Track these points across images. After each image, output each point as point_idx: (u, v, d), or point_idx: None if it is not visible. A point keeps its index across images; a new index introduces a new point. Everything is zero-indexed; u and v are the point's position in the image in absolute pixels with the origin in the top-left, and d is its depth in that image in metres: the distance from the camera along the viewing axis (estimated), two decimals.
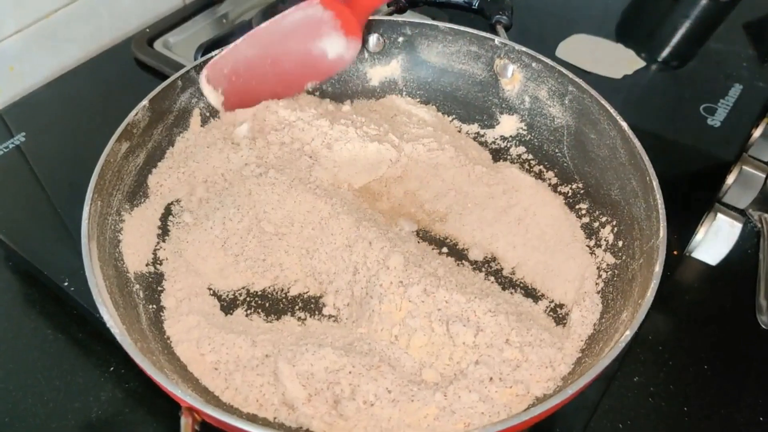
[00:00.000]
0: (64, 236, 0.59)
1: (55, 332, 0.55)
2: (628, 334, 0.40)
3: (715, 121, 0.72)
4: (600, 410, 0.51)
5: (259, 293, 0.52)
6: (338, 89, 0.67)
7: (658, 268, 0.43)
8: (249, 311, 0.51)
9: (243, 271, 0.52)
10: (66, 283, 0.55)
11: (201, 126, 0.61)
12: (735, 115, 0.73)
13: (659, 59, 0.81)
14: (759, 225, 0.66)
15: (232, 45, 0.56)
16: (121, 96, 0.70)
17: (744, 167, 0.67)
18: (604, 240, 0.54)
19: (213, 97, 0.57)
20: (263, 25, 0.56)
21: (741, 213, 0.64)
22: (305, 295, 0.52)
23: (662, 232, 0.45)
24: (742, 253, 0.63)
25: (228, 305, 0.51)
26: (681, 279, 0.62)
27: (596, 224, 0.55)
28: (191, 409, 0.37)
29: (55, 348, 0.54)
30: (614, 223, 0.53)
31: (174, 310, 0.49)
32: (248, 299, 0.52)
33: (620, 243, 0.52)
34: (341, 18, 0.56)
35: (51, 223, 0.61)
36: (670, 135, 0.71)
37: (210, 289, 0.52)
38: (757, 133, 0.73)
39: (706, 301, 0.60)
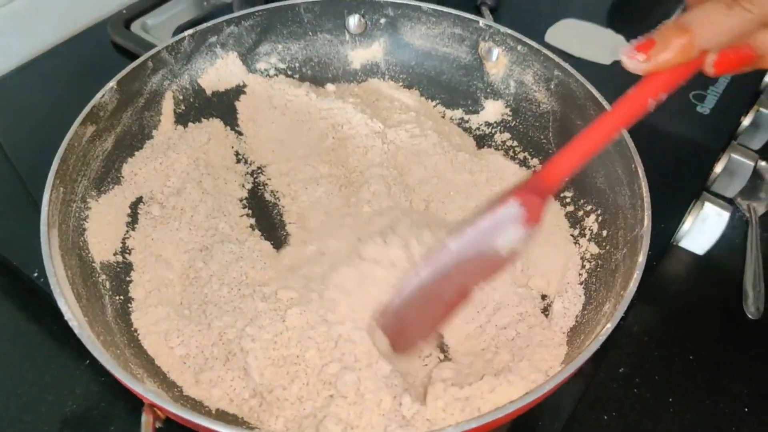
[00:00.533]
0: (35, 227, 0.58)
1: (28, 324, 0.54)
2: (609, 327, 0.39)
3: (705, 108, 0.71)
4: (585, 401, 0.50)
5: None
6: (318, 72, 0.65)
7: (642, 258, 0.42)
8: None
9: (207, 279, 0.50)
10: (36, 274, 0.53)
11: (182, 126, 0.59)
12: (724, 102, 0.71)
13: None
14: (747, 214, 0.66)
15: (410, 283, 0.44)
16: (97, 79, 0.67)
17: (733, 155, 0.67)
18: (588, 229, 0.52)
19: (383, 345, 0.45)
20: (450, 247, 0.43)
21: (729, 202, 0.63)
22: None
23: (646, 221, 0.44)
24: (730, 243, 0.63)
25: None
26: (667, 269, 0.62)
27: (580, 213, 0.54)
28: (153, 406, 0.36)
29: (29, 340, 0.52)
30: (599, 212, 0.52)
31: (142, 302, 0.48)
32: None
33: (604, 232, 0.51)
34: (527, 206, 0.43)
35: (24, 211, 0.59)
36: (658, 122, 0.69)
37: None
38: (746, 121, 0.72)
39: (693, 291, 0.60)
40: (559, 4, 0.85)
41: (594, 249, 0.51)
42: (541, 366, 0.43)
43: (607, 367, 0.53)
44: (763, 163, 0.68)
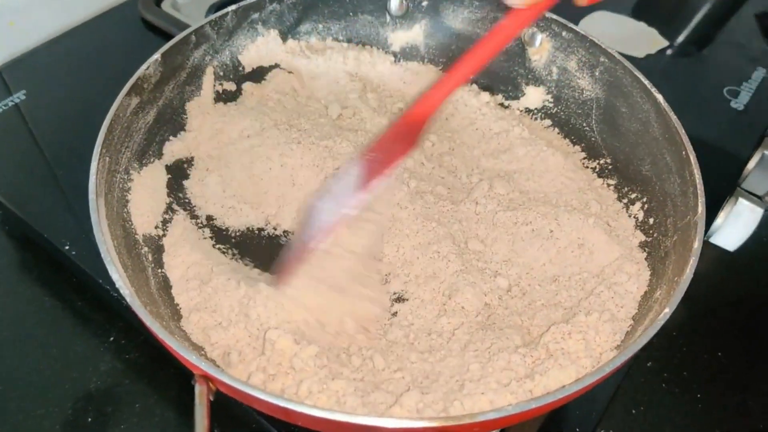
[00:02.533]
0: (62, 200, 0.57)
1: (52, 299, 0.54)
2: (667, 311, 0.38)
3: (739, 104, 0.71)
4: (614, 394, 0.50)
5: None
6: None
7: (697, 245, 0.41)
8: None
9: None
10: (67, 247, 0.53)
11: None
12: (758, 98, 0.71)
13: (679, 40, 0.79)
14: None
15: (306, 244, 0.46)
16: (126, 56, 0.67)
17: (766, 152, 0.66)
18: (634, 217, 0.52)
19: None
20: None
21: (760, 199, 0.62)
22: None
23: (700, 208, 0.43)
24: (758, 241, 0.62)
25: None
26: (698, 264, 0.61)
27: (625, 200, 0.54)
28: (206, 377, 0.35)
29: (53, 316, 0.52)
30: (644, 199, 0.52)
31: (179, 279, 0.47)
32: None
33: (651, 220, 0.50)
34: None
35: (48, 186, 0.59)
36: (692, 117, 0.68)
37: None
38: None
39: (722, 287, 0.60)
40: None
41: (641, 236, 0.50)
42: (593, 351, 0.42)
43: (636, 362, 0.53)
44: None
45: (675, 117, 0.49)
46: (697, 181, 0.45)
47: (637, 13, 0.82)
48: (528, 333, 0.45)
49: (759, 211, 0.61)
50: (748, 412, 0.51)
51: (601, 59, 0.55)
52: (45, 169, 0.60)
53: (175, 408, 0.47)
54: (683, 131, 0.48)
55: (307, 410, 0.33)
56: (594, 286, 0.47)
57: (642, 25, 0.81)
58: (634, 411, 0.51)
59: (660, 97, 0.50)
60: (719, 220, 0.61)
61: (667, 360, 0.53)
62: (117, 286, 0.37)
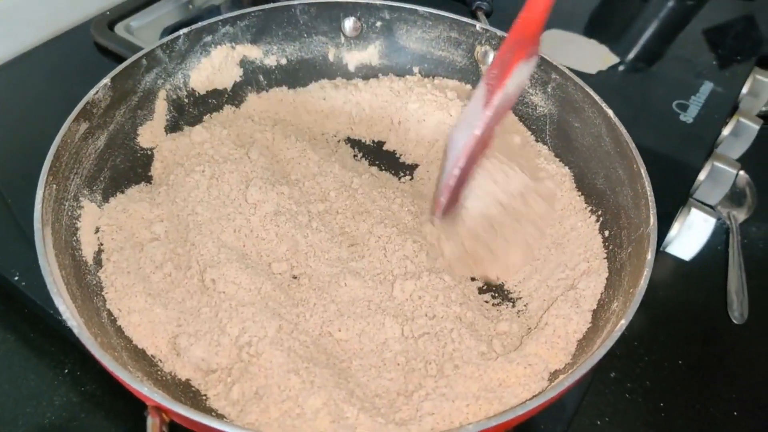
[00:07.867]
0: (15, 230, 0.56)
1: (3, 332, 0.52)
2: (623, 323, 0.39)
3: (688, 117, 0.72)
4: (579, 407, 0.50)
5: None
6: (312, 74, 0.64)
7: (650, 256, 0.42)
8: None
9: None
10: (17, 278, 0.51)
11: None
12: (706, 111, 0.73)
13: (629, 57, 0.81)
14: (728, 222, 0.67)
15: (450, 171, 0.48)
16: (79, 81, 0.66)
17: (716, 163, 0.68)
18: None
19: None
20: (482, 117, 0.46)
21: (713, 209, 0.64)
22: None
23: (652, 220, 0.44)
24: (713, 250, 0.64)
25: None
26: (656, 274, 0.61)
27: None
28: (159, 408, 0.34)
29: (4, 349, 0.50)
30: (599, 212, 0.52)
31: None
32: None
33: (606, 233, 0.51)
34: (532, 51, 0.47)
35: (0, 216, 0.57)
36: (644, 130, 0.70)
37: None
38: (726, 130, 0.73)
39: (680, 296, 0.61)
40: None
41: None
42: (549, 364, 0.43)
43: (599, 372, 0.53)
44: (742, 173, 0.70)
45: (625, 131, 0.50)
46: (648, 193, 0.46)
47: (589, 31, 0.84)
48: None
49: (712, 221, 0.62)
50: (710, 419, 0.52)
51: (553, 76, 0.56)
52: None
53: None
54: (633, 145, 0.49)
55: None
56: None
57: (593, 42, 0.83)
58: (599, 422, 0.51)
59: (610, 112, 0.51)
60: (674, 231, 0.62)
61: (629, 370, 0.54)
62: (64, 317, 0.36)
